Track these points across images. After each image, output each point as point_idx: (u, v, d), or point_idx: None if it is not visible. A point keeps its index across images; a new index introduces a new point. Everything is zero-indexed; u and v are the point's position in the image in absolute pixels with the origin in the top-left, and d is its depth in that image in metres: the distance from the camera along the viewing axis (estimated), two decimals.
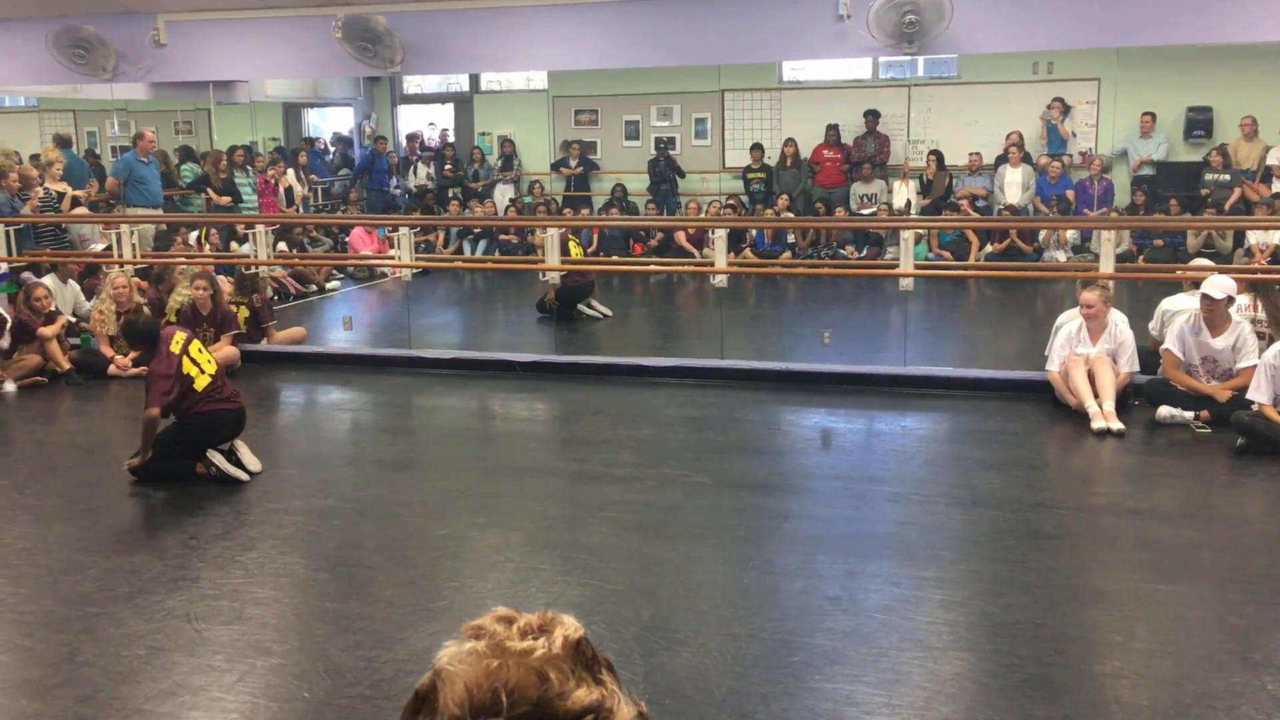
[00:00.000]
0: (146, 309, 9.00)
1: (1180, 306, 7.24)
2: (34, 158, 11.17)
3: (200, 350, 6.16)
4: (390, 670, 3.87)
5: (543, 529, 5.31)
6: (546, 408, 8.02)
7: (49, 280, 9.39)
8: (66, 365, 8.53)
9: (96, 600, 4.52)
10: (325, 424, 7.97)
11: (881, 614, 4.26)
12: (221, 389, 6.14)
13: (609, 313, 10.68)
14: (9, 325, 8.45)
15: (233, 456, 6.05)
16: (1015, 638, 4.03)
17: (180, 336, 6.09)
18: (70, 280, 9.80)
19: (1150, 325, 7.47)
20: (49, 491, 5.95)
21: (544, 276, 9.69)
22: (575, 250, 11.15)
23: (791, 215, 13.46)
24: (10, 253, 9.52)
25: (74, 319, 9.38)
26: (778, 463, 6.46)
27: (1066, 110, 13.32)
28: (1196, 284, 7.05)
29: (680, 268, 13.16)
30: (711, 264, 9.04)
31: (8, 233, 9.58)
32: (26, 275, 9.43)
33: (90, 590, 4.62)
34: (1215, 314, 6.72)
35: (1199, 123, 13.04)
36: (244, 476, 5.96)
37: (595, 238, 13.90)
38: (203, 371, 6.05)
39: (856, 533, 5.20)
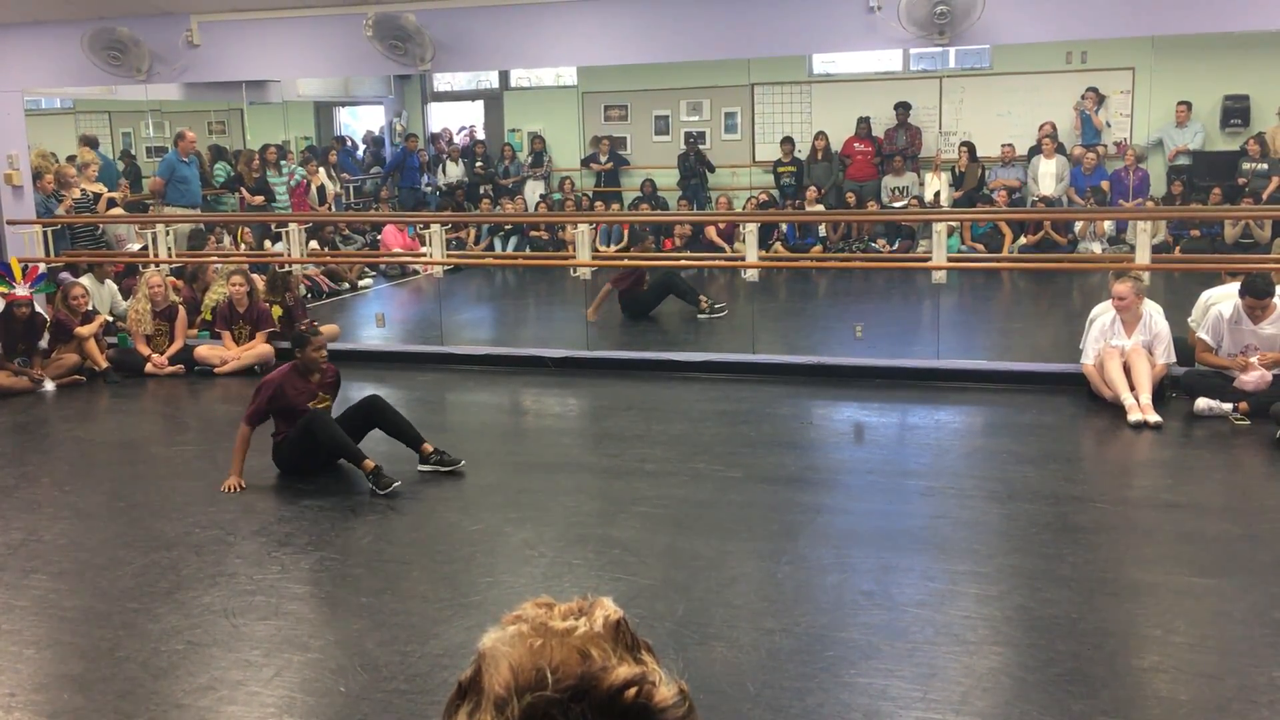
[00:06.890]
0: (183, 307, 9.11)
1: (1223, 295, 7.10)
2: (70, 159, 11.29)
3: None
4: (426, 665, 3.89)
5: (576, 524, 5.32)
6: (579, 403, 8.03)
7: (86, 280, 9.50)
8: (104, 364, 8.63)
9: (135, 596, 4.57)
10: None
11: (916, 608, 4.23)
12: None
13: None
14: (48, 324, 8.56)
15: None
16: (1052, 632, 4.00)
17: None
18: (107, 280, 9.92)
19: (1190, 318, 7.34)
20: (88, 488, 6.02)
21: (574, 272, 9.68)
22: None
23: (821, 208, 13.39)
24: (48, 253, 9.64)
25: (111, 318, 9.49)
26: (810, 457, 6.44)
27: (1101, 100, 13.16)
28: (1234, 274, 6.96)
29: (711, 263, 13.13)
30: (742, 258, 9.01)
31: (45, 234, 9.70)
32: (64, 275, 9.54)
33: (130, 586, 4.68)
34: (1256, 311, 6.65)
35: (1236, 111, 12.86)
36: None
37: (626, 233, 13.89)
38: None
39: (890, 527, 5.18)
